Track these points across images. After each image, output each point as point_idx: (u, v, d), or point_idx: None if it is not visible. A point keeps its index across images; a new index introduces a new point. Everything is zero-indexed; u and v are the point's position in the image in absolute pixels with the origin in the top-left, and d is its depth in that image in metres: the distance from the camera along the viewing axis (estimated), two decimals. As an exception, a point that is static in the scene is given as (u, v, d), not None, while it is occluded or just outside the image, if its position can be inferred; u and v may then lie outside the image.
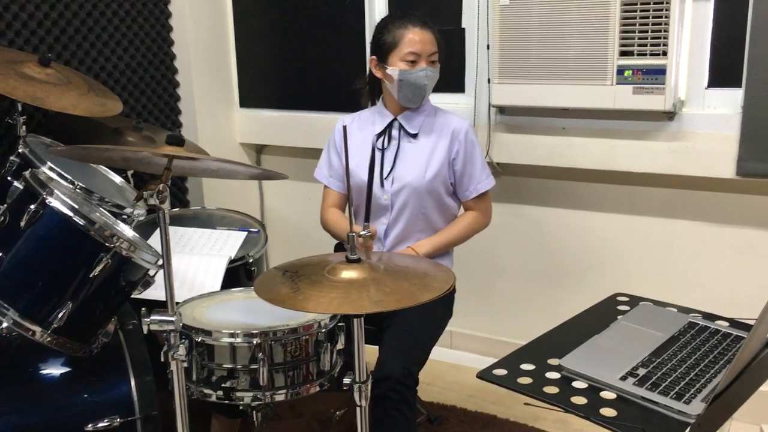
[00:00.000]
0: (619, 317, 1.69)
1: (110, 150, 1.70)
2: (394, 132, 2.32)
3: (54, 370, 1.90)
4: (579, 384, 1.40)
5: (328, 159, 2.43)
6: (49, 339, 1.76)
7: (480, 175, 2.34)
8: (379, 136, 2.32)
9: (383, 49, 2.24)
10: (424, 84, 2.23)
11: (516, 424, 2.61)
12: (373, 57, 2.28)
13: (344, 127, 1.64)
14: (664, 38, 2.39)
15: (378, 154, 2.30)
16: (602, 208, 2.81)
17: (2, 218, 1.77)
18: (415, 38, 2.20)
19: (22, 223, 1.73)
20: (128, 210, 2.17)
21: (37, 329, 1.74)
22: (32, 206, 1.73)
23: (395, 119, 2.32)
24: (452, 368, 3.07)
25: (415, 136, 2.31)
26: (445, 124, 2.32)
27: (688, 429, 1.22)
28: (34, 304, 1.74)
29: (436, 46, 2.24)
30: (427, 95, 2.29)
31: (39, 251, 1.75)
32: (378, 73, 2.29)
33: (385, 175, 2.29)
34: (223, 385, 1.77)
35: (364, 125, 2.38)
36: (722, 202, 2.57)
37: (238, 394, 1.76)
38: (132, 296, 1.92)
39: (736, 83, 2.44)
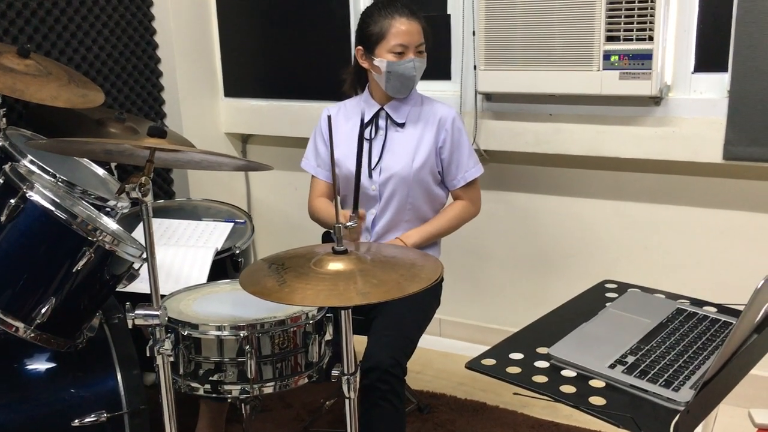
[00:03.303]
0: (607, 304, 1.69)
1: (92, 143, 1.67)
2: (381, 122, 2.30)
3: (39, 365, 1.88)
4: (568, 372, 1.40)
5: (314, 149, 2.41)
6: (32, 335, 1.73)
7: (467, 163, 2.32)
8: (365, 126, 2.30)
9: (370, 40, 2.21)
10: (413, 75, 2.21)
11: (505, 411, 2.62)
12: (360, 47, 2.25)
13: (329, 117, 1.63)
14: (650, 23, 2.38)
15: (365, 145, 2.28)
16: (589, 194, 2.81)
17: (-18, 213, 1.74)
18: (402, 29, 2.17)
19: (3, 218, 1.70)
20: (111, 203, 2.14)
21: (20, 325, 1.72)
22: (12, 201, 1.69)
23: (382, 109, 2.30)
24: (441, 356, 3.07)
25: (402, 125, 2.29)
26: (432, 113, 2.30)
27: (677, 416, 1.22)
28: (17, 300, 1.71)
29: (423, 36, 2.22)
30: (415, 85, 2.27)
31: (20, 246, 1.72)
32: (365, 64, 2.26)
33: (372, 165, 2.28)
34: (210, 378, 1.75)
35: (350, 115, 2.35)
36: (709, 187, 2.58)
37: (226, 387, 1.75)
38: (117, 290, 1.90)
39: (722, 67, 2.43)
